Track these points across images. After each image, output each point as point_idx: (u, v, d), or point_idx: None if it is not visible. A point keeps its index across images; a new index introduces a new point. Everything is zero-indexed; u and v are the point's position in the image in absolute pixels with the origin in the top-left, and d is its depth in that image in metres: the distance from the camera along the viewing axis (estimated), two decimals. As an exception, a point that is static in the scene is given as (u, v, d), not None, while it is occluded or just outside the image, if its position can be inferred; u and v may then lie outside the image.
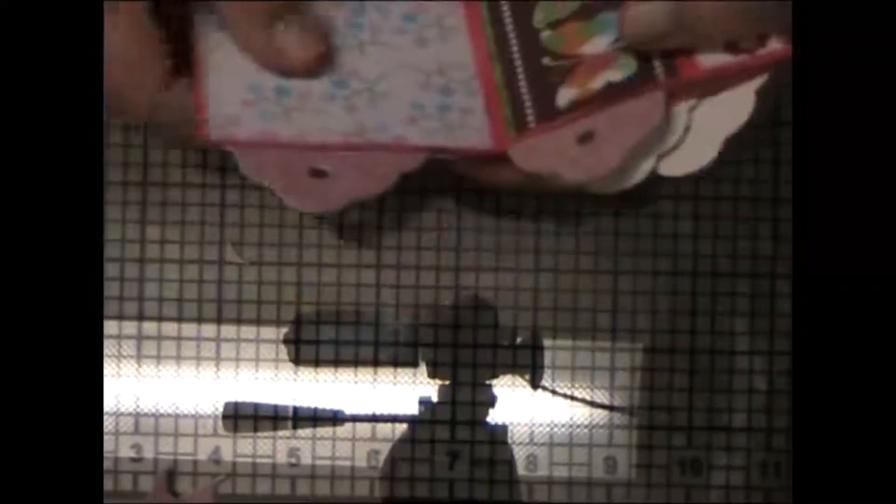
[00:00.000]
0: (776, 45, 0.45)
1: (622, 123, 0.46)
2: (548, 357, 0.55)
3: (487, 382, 0.55)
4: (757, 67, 0.45)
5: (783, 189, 0.55)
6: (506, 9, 0.50)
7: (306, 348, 0.55)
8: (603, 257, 0.55)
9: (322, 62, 0.47)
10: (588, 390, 0.55)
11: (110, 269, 0.55)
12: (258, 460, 0.55)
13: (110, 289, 0.55)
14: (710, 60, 0.45)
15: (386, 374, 0.55)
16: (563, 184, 0.46)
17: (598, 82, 0.47)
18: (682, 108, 0.47)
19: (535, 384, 0.55)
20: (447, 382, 0.55)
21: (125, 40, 0.45)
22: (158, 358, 0.55)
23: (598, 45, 0.47)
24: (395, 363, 0.55)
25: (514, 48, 0.49)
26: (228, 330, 0.55)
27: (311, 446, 0.55)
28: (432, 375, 0.55)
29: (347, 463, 0.55)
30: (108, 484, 0.55)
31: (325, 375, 0.55)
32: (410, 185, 0.53)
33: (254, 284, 0.55)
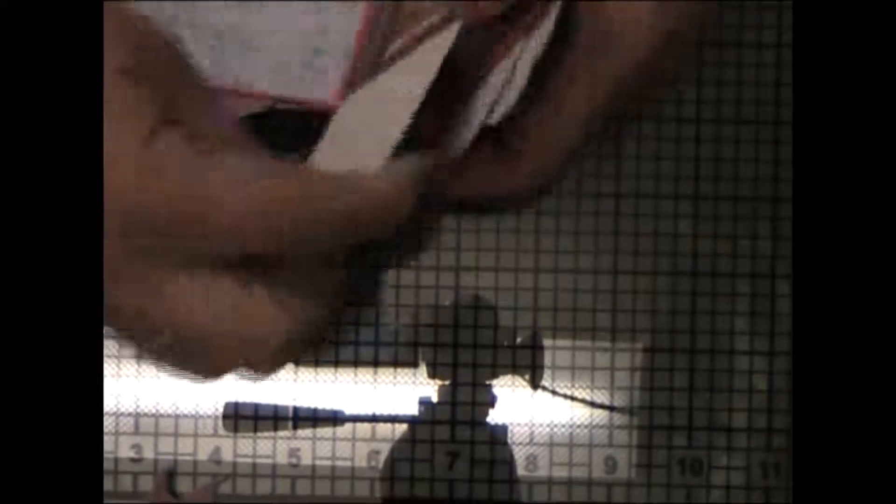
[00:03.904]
0: None
1: (420, 56, 0.46)
2: (548, 357, 0.55)
3: (487, 383, 0.55)
4: None
5: (783, 189, 0.55)
6: None
7: (306, 348, 0.55)
8: (603, 257, 0.55)
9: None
10: (588, 390, 0.55)
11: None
12: (258, 460, 0.55)
13: (110, 289, 0.55)
14: None
15: (386, 374, 0.55)
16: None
17: (419, 27, 0.47)
18: (510, 59, 0.47)
19: (535, 384, 0.55)
20: (447, 382, 0.55)
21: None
22: (158, 358, 0.55)
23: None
24: (395, 363, 0.55)
25: (389, 16, 0.49)
26: (228, 330, 0.55)
27: (311, 446, 0.55)
28: (432, 376, 0.55)
29: (348, 463, 0.55)
30: (108, 484, 0.55)
31: (325, 375, 0.55)
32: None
33: (254, 285, 0.55)
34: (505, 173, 0.49)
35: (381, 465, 0.55)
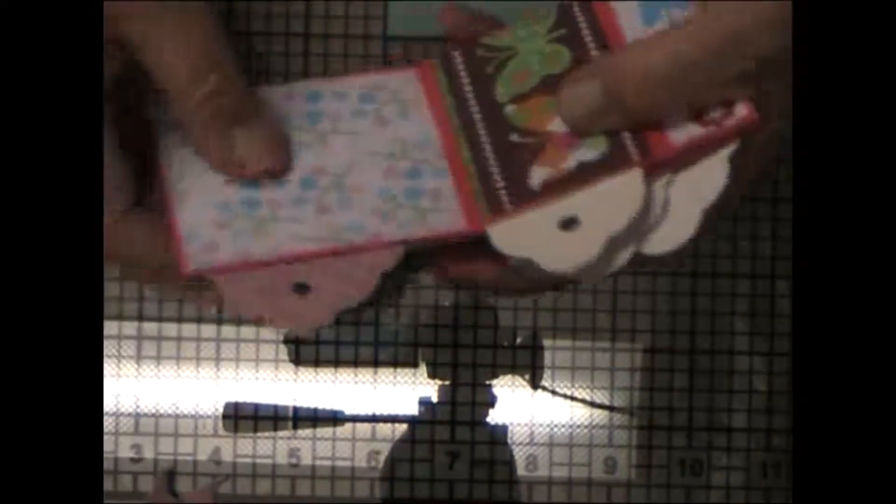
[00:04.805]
0: (742, 112, 0.44)
1: (603, 207, 0.45)
2: (547, 357, 0.55)
3: (487, 383, 0.55)
4: (727, 136, 0.45)
5: (783, 189, 0.55)
6: (464, 80, 0.49)
7: (306, 348, 0.55)
8: (603, 257, 0.55)
9: (283, 167, 0.47)
10: (588, 390, 0.55)
11: (110, 270, 0.55)
12: (258, 461, 0.55)
13: (110, 289, 0.55)
14: (680, 135, 0.45)
15: (386, 374, 0.55)
16: (541, 273, 0.46)
17: (570, 161, 0.46)
18: (659, 185, 0.46)
19: (534, 384, 0.55)
20: (447, 383, 0.55)
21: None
22: (158, 358, 0.55)
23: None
24: (395, 363, 0.55)
25: (479, 122, 0.49)
26: (228, 330, 0.55)
27: (311, 447, 0.55)
28: (432, 376, 0.55)
29: (348, 463, 0.55)
30: (108, 484, 0.55)
31: (326, 376, 0.55)
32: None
33: (254, 285, 0.55)
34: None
35: (381, 465, 0.55)
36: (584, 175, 0.46)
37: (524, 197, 0.47)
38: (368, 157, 0.49)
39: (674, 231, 0.45)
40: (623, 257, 0.46)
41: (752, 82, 0.43)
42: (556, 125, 0.47)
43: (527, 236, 0.47)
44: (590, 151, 0.46)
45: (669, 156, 0.45)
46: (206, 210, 0.46)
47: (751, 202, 0.56)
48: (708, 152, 0.45)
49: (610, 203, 0.46)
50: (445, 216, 0.48)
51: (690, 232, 0.45)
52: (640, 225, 0.45)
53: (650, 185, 0.45)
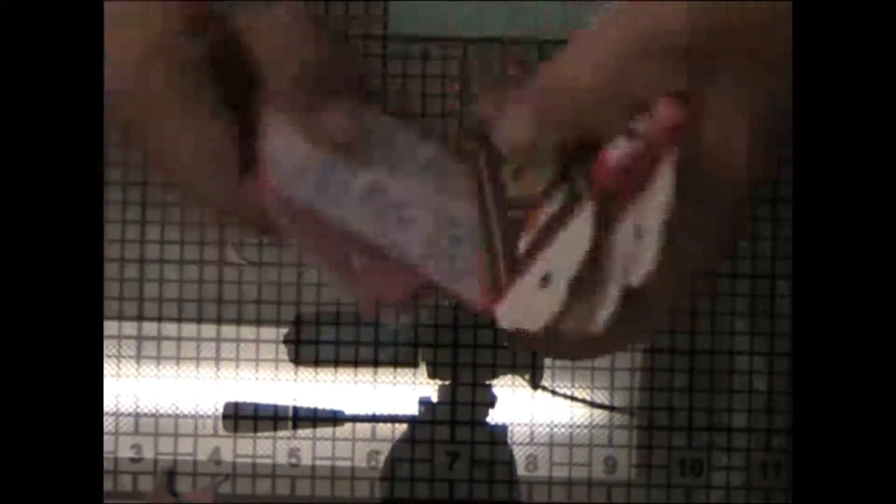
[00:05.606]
0: (664, 114, 0.44)
1: (564, 255, 0.46)
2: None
3: (487, 383, 0.55)
4: (659, 142, 0.45)
5: (783, 189, 0.55)
6: (483, 165, 0.50)
7: (306, 349, 0.55)
8: (603, 257, 0.55)
9: (357, 142, 0.48)
10: (588, 391, 0.55)
11: (110, 270, 0.55)
12: (258, 460, 0.55)
13: (110, 289, 0.55)
14: (614, 153, 0.45)
15: (386, 374, 0.55)
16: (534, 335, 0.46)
17: (541, 218, 0.47)
18: (618, 219, 0.46)
19: (535, 384, 0.55)
20: (447, 383, 0.55)
21: (202, 133, 0.45)
22: (158, 358, 0.55)
23: (544, 185, 0.47)
24: (395, 363, 0.55)
25: (490, 203, 0.49)
26: (228, 330, 0.55)
27: (311, 446, 0.55)
28: (432, 376, 0.55)
29: (347, 463, 0.55)
30: (108, 484, 0.55)
31: (325, 376, 0.55)
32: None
33: (254, 285, 0.55)
34: (623, 327, 0.49)
35: (381, 465, 0.55)
36: (552, 228, 0.47)
37: (513, 267, 0.47)
38: (425, 206, 0.50)
39: (647, 256, 0.45)
40: (611, 296, 0.45)
41: (680, 78, 0.43)
42: (539, 190, 0.48)
43: (519, 307, 0.47)
44: (554, 203, 0.47)
45: (608, 175, 0.45)
46: (292, 160, 0.48)
47: (751, 202, 0.55)
48: (648, 166, 0.45)
49: (568, 249, 0.46)
50: (469, 287, 0.49)
51: (654, 249, 0.44)
52: (616, 261, 0.45)
53: (606, 221, 0.45)
